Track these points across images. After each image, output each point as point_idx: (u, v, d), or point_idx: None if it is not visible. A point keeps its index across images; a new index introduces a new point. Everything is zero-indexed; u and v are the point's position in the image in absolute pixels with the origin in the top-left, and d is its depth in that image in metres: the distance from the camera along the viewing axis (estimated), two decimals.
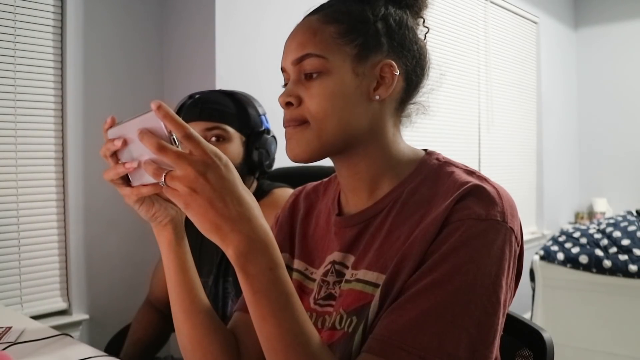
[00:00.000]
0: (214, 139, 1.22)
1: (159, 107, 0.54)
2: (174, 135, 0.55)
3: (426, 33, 0.75)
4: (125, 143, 0.59)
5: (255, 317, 0.58)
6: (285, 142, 0.71)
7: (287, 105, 0.69)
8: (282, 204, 0.91)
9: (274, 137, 1.32)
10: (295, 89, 0.69)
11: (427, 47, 0.74)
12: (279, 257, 0.58)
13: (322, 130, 0.67)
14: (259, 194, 1.30)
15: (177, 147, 0.55)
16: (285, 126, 0.70)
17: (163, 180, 0.54)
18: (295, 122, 0.69)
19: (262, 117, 1.32)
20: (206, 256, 1.30)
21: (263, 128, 1.30)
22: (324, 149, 0.69)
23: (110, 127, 0.61)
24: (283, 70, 0.72)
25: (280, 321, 0.57)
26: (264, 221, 0.58)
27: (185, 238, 0.72)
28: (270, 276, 0.57)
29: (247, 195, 0.57)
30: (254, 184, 1.33)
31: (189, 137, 0.54)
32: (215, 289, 1.28)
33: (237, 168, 1.33)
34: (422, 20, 0.75)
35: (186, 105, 1.27)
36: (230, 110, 1.25)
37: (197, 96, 1.28)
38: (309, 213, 0.84)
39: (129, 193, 0.63)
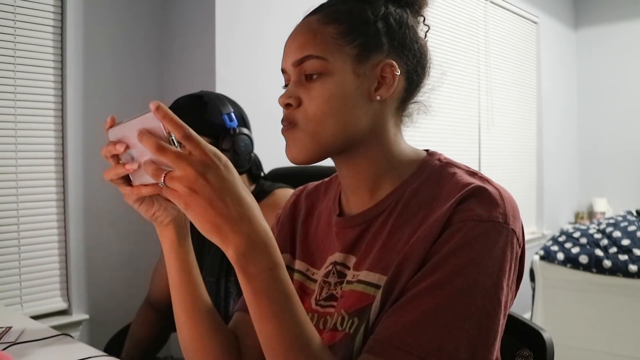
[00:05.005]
0: None
1: (158, 108, 0.54)
2: (173, 136, 0.55)
3: (426, 31, 0.75)
4: (126, 146, 0.59)
5: (255, 317, 0.58)
6: (284, 142, 0.71)
7: (286, 106, 0.69)
8: (283, 204, 0.91)
9: (244, 134, 1.27)
10: (295, 91, 0.68)
11: (428, 45, 0.74)
12: (279, 257, 0.58)
13: (319, 132, 0.67)
14: (260, 195, 1.29)
15: (176, 147, 0.55)
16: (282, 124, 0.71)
17: (162, 181, 0.54)
18: (285, 123, 0.69)
19: (226, 116, 1.26)
20: (209, 256, 1.30)
21: (228, 128, 1.25)
22: (323, 151, 0.69)
23: (111, 126, 0.61)
24: (283, 71, 0.72)
25: (280, 321, 0.57)
26: (264, 221, 0.58)
27: (188, 238, 0.72)
28: (270, 276, 0.57)
29: (247, 195, 0.57)
30: (252, 185, 1.33)
31: (188, 137, 0.54)
32: (217, 289, 1.28)
33: None
34: (422, 18, 0.74)
35: None
36: (187, 117, 1.22)
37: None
38: (310, 213, 0.83)
39: (128, 192, 0.63)
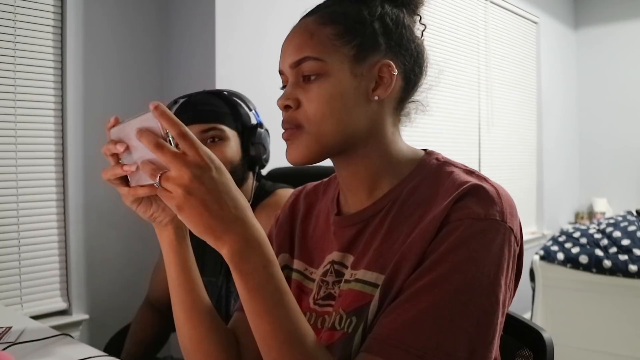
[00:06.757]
0: (209, 140, 1.21)
1: (157, 107, 0.55)
2: (171, 136, 0.56)
3: (423, 30, 0.75)
4: (126, 148, 0.60)
5: (250, 315, 0.59)
6: (283, 142, 0.71)
7: (285, 108, 0.69)
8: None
9: (267, 130, 1.32)
10: (293, 92, 0.69)
11: (425, 44, 0.74)
12: (273, 255, 0.59)
13: (320, 133, 0.67)
14: (262, 195, 1.30)
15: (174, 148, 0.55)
16: (283, 128, 0.71)
17: (158, 180, 0.55)
18: (290, 125, 0.69)
19: (254, 111, 1.32)
20: (210, 255, 1.30)
21: (256, 122, 1.30)
22: (324, 152, 0.69)
23: (113, 126, 0.61)
24: (281, 72, 0.72)
25: (274, 318, 0.57)
26: (256, 221, 0.59)
27: (187, 238, 0.72)
28: (264, 274, 0.57)
29: (241, 197, 0.58)
30: (254, 183, 1.33)
31: (183, 135, 0.55)
32: (219, 289, 1.29)
33: (237, 165, 1.31)
34: (418, 18, 0.74)
35: (174, 110, 1.25)
36: (222, 109, 1.25)
37: (181, 100, 1.27)
38: (308, 213, 0.84)
39: (126, 193, 0.63)
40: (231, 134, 1.24)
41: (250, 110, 1.31)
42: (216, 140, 1.22)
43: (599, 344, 2.51)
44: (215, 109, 1.24)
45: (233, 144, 1.24)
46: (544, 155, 3.90)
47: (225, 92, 1.31)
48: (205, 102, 1.25)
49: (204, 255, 1.30)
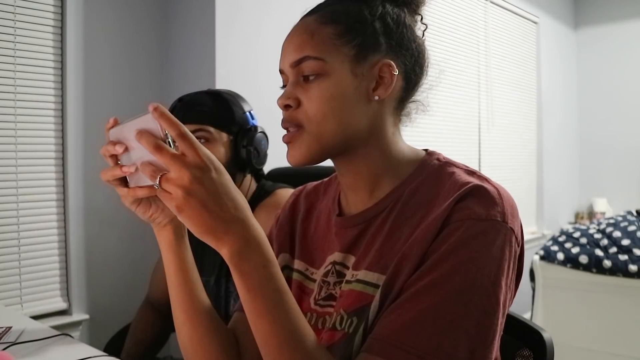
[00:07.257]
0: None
1: (156, 108, 0.54)
2: (170, 138, 0.55)
3: (424, 30, 0.75)
4: (125, 149, 0.60)
5: (250, 315, 0.59)
6: (283, 142, 0.71)
7: (285, 107, 0.69)
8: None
9: (263, 133, 1.30)
10: (293, 92, 0.68)
11: (426, 44, 0.74)
12: (272, 255, 0.59)
13: (321, 133, 0.67)
14: (262, 195, 1.29)
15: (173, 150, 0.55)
16: (283, 127, 0.71)
17: (158, 182, 0.55)
18: (290, 125, 0.69)
19: (248, 114, 1.29)
20: (209, 255, 1.30)
21: (250, 125, 1.28)
22: (325, 152, 0.69)
23: (113, 127, 0.61)
24: (281, 72, 0.72)
25: (274, 317, 0.57)
26: (256, 222, 0.59)
27: (186, 238, 0.72)
28: (264, 273, 0.57)
29: (240, 198, 0.58)
30: (253, 184, 1.33)
31: (182, 136, 0.55)
32: (218, 289, 1.29)
33: (225, 168, 1.30)
34: (419, 17, 0.74)
35: (175, 109, 1.26)
36: (212, 110, 1.23)
37: (185, 99, 1.27)
38: (309, 213, 0.84)
39: (125, 194, 0.63)
40: (219, 135, 1.23)
41: (244, 112, 1.29)
42: (203, 142, 1.20)
43: (599, 344, 2.51)
44: (204, 110, 1.23)
45: (220, 146, 1.22)
46: (544, 155, 3.90)
47: (223, 93, 1.29)
48: (197, 102, 1.24)
49: (204, 255, 1.30)
